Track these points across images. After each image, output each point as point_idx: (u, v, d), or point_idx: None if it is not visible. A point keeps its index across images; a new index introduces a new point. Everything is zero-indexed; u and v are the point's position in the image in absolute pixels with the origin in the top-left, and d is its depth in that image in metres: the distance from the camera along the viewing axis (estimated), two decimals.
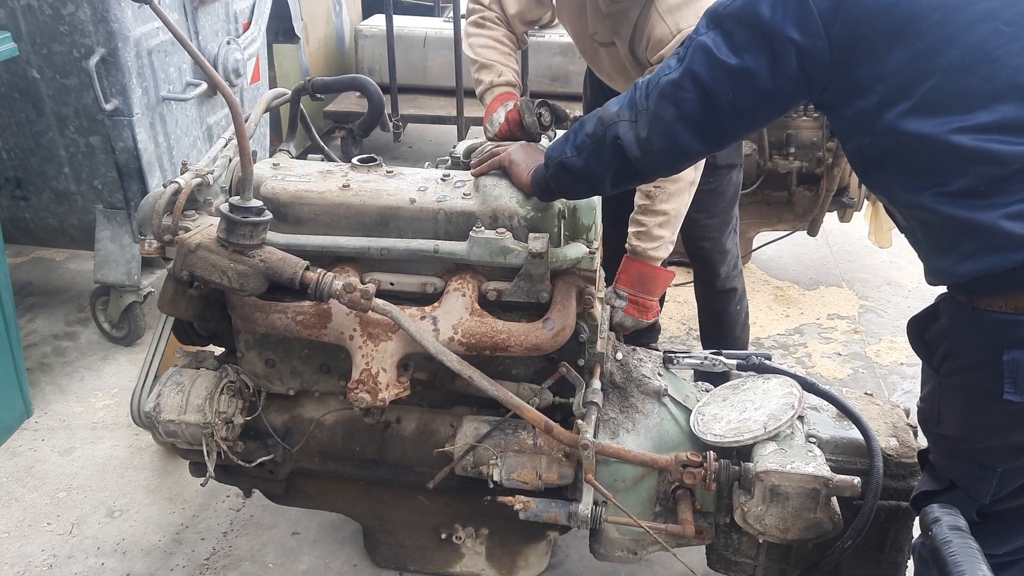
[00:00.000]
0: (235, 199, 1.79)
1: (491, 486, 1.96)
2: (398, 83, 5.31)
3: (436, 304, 1.93)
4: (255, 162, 1.99)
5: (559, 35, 5.28)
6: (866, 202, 3.91)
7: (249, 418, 2.06)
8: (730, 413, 2.04)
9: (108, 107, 2.89)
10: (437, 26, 5.44)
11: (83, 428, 2.97)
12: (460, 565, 2.31)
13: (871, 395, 2.20)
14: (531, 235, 1.87)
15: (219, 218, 1.81)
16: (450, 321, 1.90)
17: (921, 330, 1.59)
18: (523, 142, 1.99)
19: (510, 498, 1.94)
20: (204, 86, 3.23)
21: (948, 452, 1.59)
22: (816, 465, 1.84)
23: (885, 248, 3.97)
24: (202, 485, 2.19)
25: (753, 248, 4.13)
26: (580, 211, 1.96)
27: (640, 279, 2.31)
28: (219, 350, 2.23)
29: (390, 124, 5.10)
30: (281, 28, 4.10)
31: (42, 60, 2.91)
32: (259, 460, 2.08)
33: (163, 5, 3.03)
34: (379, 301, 1.82)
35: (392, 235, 1.97)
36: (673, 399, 2.10)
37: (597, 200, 1.98)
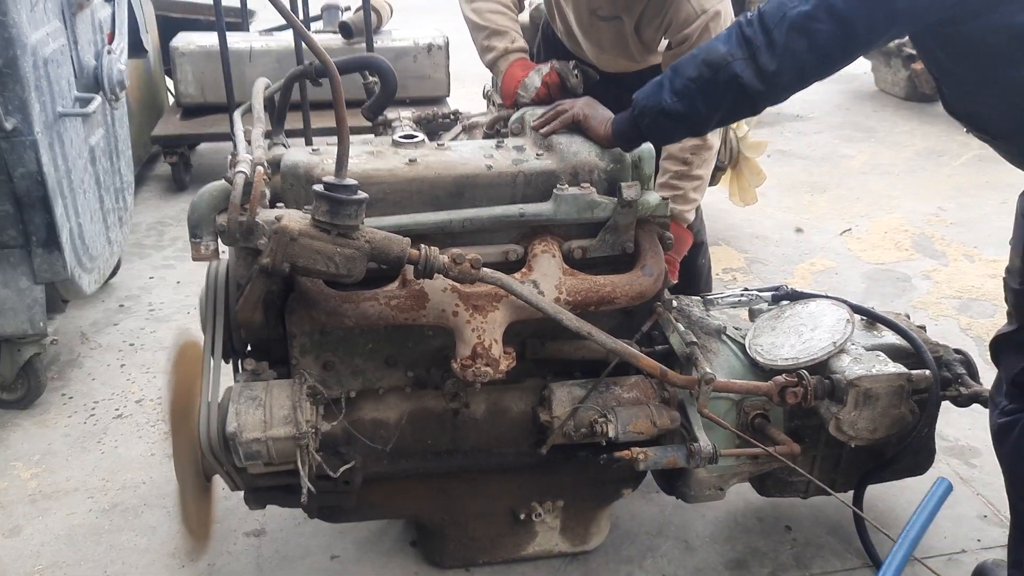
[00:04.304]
0: (330, 179, 1.64)
1: (603, 444, 1.95)
2: (213, 101, 5.02)
3: (525, 270, 1.89)
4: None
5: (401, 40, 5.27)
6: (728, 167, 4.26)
7: (334, 424, 1.88)
8: (787, 339, 2.16)
9: (8, 126, 2.48)
10: (259, 39, 5.19)
11: (20, 503, 2.52)
12: (533, 545, 2.25)
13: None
14: (624, 184, 1.88)
15: (313, 201, 1.65)
16: (551, 282, 1.86)
17: None
18: (587, 97, 1.99)
19: (627, 452, 1.93)
20: (99, 100, 2.87)
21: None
22: (894, 365, 2.02)
23: (750, 205, 4.34)
24: (306, 513, 1.97)
25: None
26: (644, 160, 2.00)
27: (675, 240, 2.38)
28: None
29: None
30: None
31: None
32: (342, 470, 1.91)
33: (44, 10, 2.66)
34: (487, 270, 1.75)
35: (467, 205, 1.90)
36: (729, 336, 2.19)
37: (653, 148, 2.03)
